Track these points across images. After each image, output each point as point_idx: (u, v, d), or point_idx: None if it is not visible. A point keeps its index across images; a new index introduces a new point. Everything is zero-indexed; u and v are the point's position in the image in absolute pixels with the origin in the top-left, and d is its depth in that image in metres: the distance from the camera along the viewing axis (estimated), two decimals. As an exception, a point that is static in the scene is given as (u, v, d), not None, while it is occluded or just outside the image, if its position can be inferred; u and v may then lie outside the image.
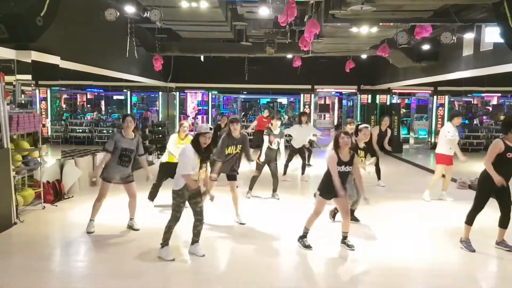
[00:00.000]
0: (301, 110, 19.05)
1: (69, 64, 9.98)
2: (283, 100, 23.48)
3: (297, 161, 11.09)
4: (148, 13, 9.95)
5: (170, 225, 5.40)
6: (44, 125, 9.11)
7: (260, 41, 14.54)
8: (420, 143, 18.99)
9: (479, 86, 16.29)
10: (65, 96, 16.94)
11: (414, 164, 14.10)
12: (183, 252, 5.61)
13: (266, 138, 8.73)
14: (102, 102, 19.81)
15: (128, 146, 6.42)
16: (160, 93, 20.18)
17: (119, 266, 5.27)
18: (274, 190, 8.85)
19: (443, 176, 8.89)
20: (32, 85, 8.80)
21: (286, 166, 10.75)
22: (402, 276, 5.18)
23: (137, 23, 12.50)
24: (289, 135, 11.22)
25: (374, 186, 10.09)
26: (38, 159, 7.82)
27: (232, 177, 7.02)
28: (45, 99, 10.48)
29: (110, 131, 16.12)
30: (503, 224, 5.82)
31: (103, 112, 18.74)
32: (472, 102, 19.97)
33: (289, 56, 16.69)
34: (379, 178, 10.27)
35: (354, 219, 7.16)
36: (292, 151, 10.71)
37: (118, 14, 9.85)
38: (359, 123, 8.24)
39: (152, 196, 7.96)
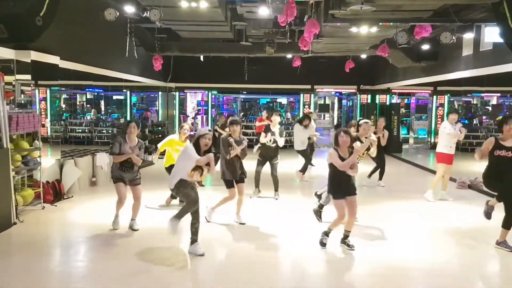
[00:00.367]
0: (301, 110, 19.08)
1: (69, 64, 9.98)
2: (283, 100, 23.48)
3: (297, 161, 11.10)
4: (148, 13, 9.95)
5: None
6: (43, 125, 9.10)
7: (260, 41, 14.54)
8: (420, 143, 19.00)
9: (479, 86, 16.30)
10: (64, 96, 16.95)
11: (414, 164, 14.11)
12: (183, 252, 5.61)
13: (262, 135, 8.74)
14: (102, 102, 19.81)
15: (129, 151, 6.41)
16: (160, 93, 20.18)
17: (119, 266, 5.26)
18: (276, 190, 8.85)
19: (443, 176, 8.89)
20: (32, 85, 8.79)
21: (305, 166, 10.74)
22: (402, 276, 5.18)
23: (137, 23, 12.50)
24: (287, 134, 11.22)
25: (375, 186, 10.10)
26: (38, 159, 7.82)
27: (240, 180, 7.02)
28: (44, 99, 10.49)
29: (110, 131, 16.12)
30: (506, 225, 5.81)
31: (102, 112, 18.74)
32: (472, 102, 19.99)
33: (289, 56, 16.68)
34: (380, 178, 10.26)
35: None
36: (303, 153, 10.74)
37: (118, 14, 9.85)
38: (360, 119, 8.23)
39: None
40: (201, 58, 18.04)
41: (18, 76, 8.33)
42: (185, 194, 5.49)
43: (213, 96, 21.19)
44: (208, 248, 5.72)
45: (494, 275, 5.52)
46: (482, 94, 18.99)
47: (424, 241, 6.49)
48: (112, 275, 5.01)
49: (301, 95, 20.61)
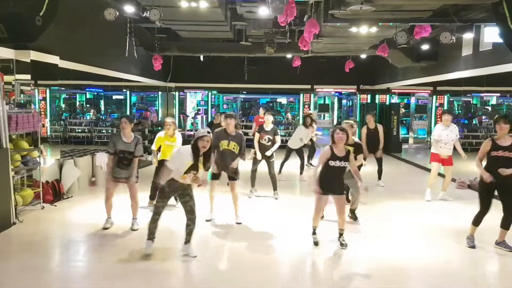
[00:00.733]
0: (302, 110, 19.07)
1: (68, 64, 9.98)
2: (283, 100, 23.48)
3: (296, 160, 11.09)
4: (148, 13, 9.95)
5: (149, 220, 5.50)
6: (43, 125, 9.10)
7: (260, 41, 14.54)
8: (420, 143, 19.00)
9: (478, 86, 16.30)
10: (64, 95, 16.95)
11: (414, 164, 14.11)
12: (181, 253, 5.61)
13: (256, 135, 8.76)
14: (102, 102, 19.81)
15: (125, 149, 6.43)
16: (160, 93, 20.18)
17: (118, 266, 5.26)
18: (274, 189, 8.86)
19: (443, 176, 8.88)
20: (31, 85, 8.78)
21: (281, 165, 10.78)
22: (402, 276, 5.18)
23: (137, 23, 12.49)
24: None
25: (374, 186, 10.10)
26: (37, 159, 7.82)
27: (233, 178, 7.05)
28: (44, 99, 10.48)
29: (110, 131, 16.12)
30: (505, 225, 5.81)
31: (102, 112, 18.73)
32: (471, 102, 19.98)
33: (289, 56, 16.68)
34: (379, 178, 10.26)
35: (354, 217, 7.19)
36: (288, 151, 10.76)
37: (118, 13, 9.85)
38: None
39: (152, 196, 7.97)
40: (201, 58, 18.03)
41: (18, 76, 8.33)
42: (157, 201, 5.51)
43: (213, 96, 21.19)
44: (204, 248, 5.73)
45: (494, 275, 5.53)
46: (482, 94, 18.98)
47: (423, 240, 6.49)
48: (112, 275, 5.01)
49: (301, 95, 20.61)
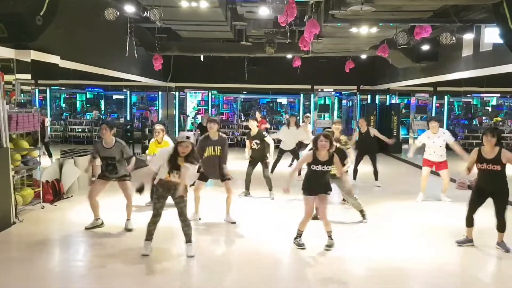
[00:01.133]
0: (307, 114, 19.05)
1: (69, 64, 9.98)
2: (283, 100, 23.49)
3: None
4: (148, 13, 9.95)
5: (149, 221, 5.53)
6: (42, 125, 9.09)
7: (260, 41, 14.54)
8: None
9: (479, 87, 16.29)
10: (64, 95, 16.94)
11: (414, 164, 14.09)
12: (180, 253, 5.61)
13: (247, 142, 8.86)
14: (102, 102, 19.80)
15: (108, 155, 6.43)
16: (160, 92, 20.18)
17: (118, 265, 5.27)
18: (270, 189, 8.86)
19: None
20: (32, 85, 8.79)
21: (273, 166, 10.78)
22: (401, 276, 5.19)
23: (137, 23, 12.48)
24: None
25: (372, 187, 10.10)
26: (37, 158, 7.82)
27: (224, 178, 7.04)
28: (44, 98, 10.48)
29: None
30: (498, 228, 5.88)
31: (102, 112, 18.73)
32: (472, 103, 19.97)
33: (289, 56, 16.68)
34: (376, 178, 10.27)
35: (363, 217, 7.21)
36: (280, 152, 10.77)
37: (118, 13, 9.85)
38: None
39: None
40: (201, 58, 18.03)
41: (18, 76, 8.33)
42: (154, 199, 5.55)
43: (213, 97, 21.19)
44: (202, 248, 5.75)
45: (493, 275, 5.53)
46: (482, 95, 18.98)
47: (423, 241, 6.49)
48: (111, 275, 5.01)
49: (301, 95, 20.60)
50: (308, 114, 14.50)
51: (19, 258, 5.49)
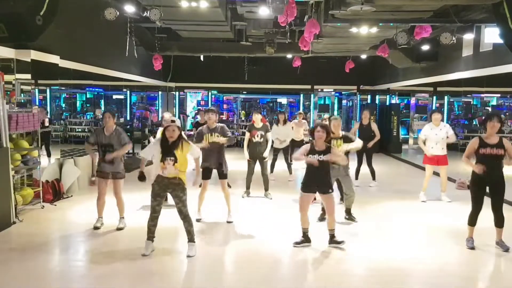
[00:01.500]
0: (299, 110, 19.03)
1: (69, 64, 9.98)
2: (283, 100, 23.51)
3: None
4: (148, 13, 9.96)
5: (149, 218, 5.52)
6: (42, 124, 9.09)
7: (260, 41, 14.54)
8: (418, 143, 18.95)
9: (479, 87, 16.30)
10: (64, 95, 16.94)
11: (414, 164, 14.10)
12: (180, 253, 5.62)
13: (246, 136, 8.73)
14: (102, 102, 19.80)
15: (107, 142, 6.47)
16: (160, 92, 20.18)
17: (118, 265, 5.26)
18: (266, 189, 8.86)
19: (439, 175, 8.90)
20: (32, 85, 8.79)
21: (271, 166, 10.77)
22: (401, 276, 5.18)
23: (137, 23, 12.49)
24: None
25: (371, 186, 10.08)
26: (37, 158, 7.82)
27: (221, 176, 7.06)
28: (44, 98, 10.48)
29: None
30: (496, 223, 5.86)
31: (102, 112, 18.72)
32: (472, 103, 19.97)
33: (289, 56, 16.69)
34: (373, 178, 10.22)
35: (351, 218, 7.17)
36: (274, 151, 10.72)
37: (118, 13, 9.85)
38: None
39: None
40: (201, 58, 18.03)
41: (18, 76, 8.33)
42: (151, 197, 5.49)
43: (213, 96, 21.20)
44: (202, 248, 5.75)
45: (493, 275, 5.52)
46: (482, 95, 18.98)
47: (423, 241, 6.50)
48: (111, 275, 5.01)
49: (301, 95, 20.61)
50: (300, 111, 14.53)
51: (19, 258, 5.49)
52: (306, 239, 5.93)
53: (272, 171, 10.72)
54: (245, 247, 6.05)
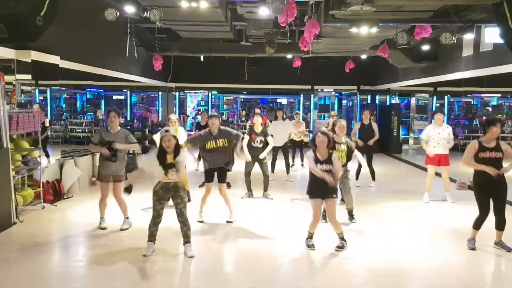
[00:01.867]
0: (297, 110, 19.04)
1: (69, 64, 9.98)
2: (283, 100, 23.52)
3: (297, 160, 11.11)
4: (148, 13, 9.96)
5: (150, 223, 5.54)
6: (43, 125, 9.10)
7: (260, 41, 14.54)
8: (420, 143, 18.94)
9: (479, 87, 16.30)
10: (64, 95, 16.95)
11: (414, 164, 14.11)
12: (180, 253, 5.62)
13: (246, 138, 8.69)
14: (102, 102, 19.79)
15: (111, 139, 6.46)
16: (160, 93, 20.18)
17: (118, 265, 5.27)
18: (265, 190, 8.86)
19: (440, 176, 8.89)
20: (32, 85, 8.79)
21: (272, 165, 10.74)
22: (401, 276, 5.18)
23: (137, 23, 12.50)
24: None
25: (371, 187, 10.07)
26: (38, 158, 7.82)
27: (221, 178, 7.02)
28: (44, 99, 10.49)
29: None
30: (498, 226, 5.85)
31: (103, 113, 18.73)
32: (472, 103, 19.97)
33: (289, 56, 16.69)
34: (373, 178, 10.20)
35: (351, 218, 7.17)
36: (274, 151, 10.68)
37: (118, 14, 9.86)
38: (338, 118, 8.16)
39: None
40: (201, 58, 18.04)
41: (19, 76, 8.34)
42: (152, 205, 5.53)
43: (213, 97, 21.22)
44: (202, 248, 5.76)
45: (494, 276, 5.52)
46: (482, 95, 18.98)
47: (423, 241, 6.50)
48: (111, 275, 5.01)
49: (301, 95, 20.61)
50: (298, 111, 14.53)
51: (20, 259, 5.49)
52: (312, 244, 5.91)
53: (272, 170, 10.73)
54: (246, 247, 6.05)
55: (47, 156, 9.76)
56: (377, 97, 20.10)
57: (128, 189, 5.69)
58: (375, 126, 10.26)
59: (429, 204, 8.57)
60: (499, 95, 18.42)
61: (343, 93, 21.83)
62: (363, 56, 17.03)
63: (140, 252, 5.54)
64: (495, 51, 11.22)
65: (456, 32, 10.78)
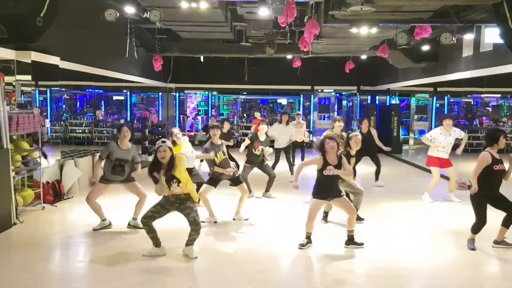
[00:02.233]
0: (297, 111, 19.04)
1: (69, 65, 9.99)
2: (283, 100, 23.52)
3: (296, 161, 11.09)
4: (148, 14, 9.96)
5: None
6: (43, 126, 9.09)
7: (260, 42, 14.55)
8: (420, 144, 18.96)
9: (479, 87, 16.30)
10: (64, 96, 16.97)
11: (414, 164, 14.11)
12: (181, 253, 5.62)
13: (247, 141, 8.71)
14: (102, 103, 19.80)
15: (122, 157, 6.47)
16: (160, 93, 20.19)
17: (119, 266, 5.26)
18: (267, 190, 8.86)
19: (445, 178, 8.87)
20: (32, 86, 8.79)
21: (273, 167, 10.76)
22: (402, 276, 5.18)
23: (137, 24, 12.50)
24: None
25: (372, 187, 10.08)
26: (37, 159, 7.82)
27: (236, 182, 7.12)
28: (44, 99, 10.49)
29: (110, 132, 16.15)
30: (506, 223, 5.83)
31: (103, 113, 18.73)
32: (472, 103, 19.97)
33: (289, 56, 16.69)
34: (376, 178, 10.23)
35: (359, 218, 7.18)
36: (276, 152, 10.70)
37: (118, 14, 9.86)
38: (351, 132, 8.14)
39: None
40: (201, 59, 18.04)
41: (19, 77, 8.34)
42: (155, 204, 5.51)
43: (213, 98, 21.22)
44: (204, 248, 5.75)
45: (494, 276, 5.51)
46: (482, 95, 18.98)
47: (423, 241, 6.50)
48: (112, 275, 5.01)
49: (301, 95, 20.61)
50: (298, 112, 14.50)
51: (20, 259, 5.49)
52: (309, 241, 5.92)
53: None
54: (246, 247, 6.05)
55: (45, 157, 9.76)
56: (377, 97, 20.10)
57: (155, 179, 5.39)
58: (374, 133, 10.21)
59: (429, 204, 8.57)
60: (499, 95, 18.43)
61: (343, 93, 21.83)
62: (363, 57, 17.02)
63: (140, 252, 5.54)
64: (495, 51, 11.22)
65: (456, 32, 10.78)
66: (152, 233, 5.46)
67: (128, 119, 18.09)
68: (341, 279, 5.11)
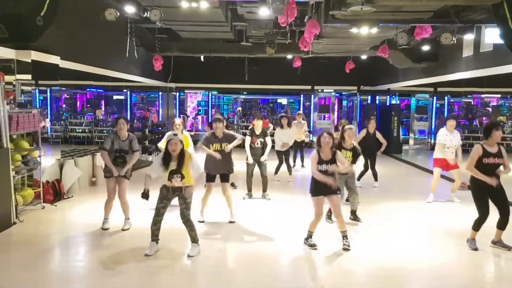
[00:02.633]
0: (298, 111, 19.04)
1: (69, 64, 9.99)
2: (283, 100, 23.53)
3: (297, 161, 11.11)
4: (148, 13, 9.95)
5: (153, 220, 5.55)
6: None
7: (260, 42, 14.55)
8: (420, 144, 18.98)
9: (479, 87, 16.31)
10: (64, 95, 17.00)
11: (414, 164, 14.11)
12: (181, 253, 5.62)
13: (247, 139, 8.74)
14: (102, 102, 19.83)
15: (121, 147, 6.53)
16: (160, 93, 20.19)
17: (119, 265, 5.26)
18: (264, 190, 8.88)
19: (448, 179, 8.85)
20: (32, 86, 8.79)
21: (277, 168, 10.88)
22: (402, 276, 5.18)
23: (137, 23, 12.50)
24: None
25: (371, 187, 10.07)
26: (37, 158, 7.82)
27: (224, 178, 7.09)
28: (44, 99, 10.49)
29: (110, 131, 16.18)
30: (500, 226, 5.85)
31: (103, 113, 18.76)
32: (472, 103, 19.99)
33: (289, 56, 16.69)
34: (375, 179, 10.22)
35: (356, 219, 7.20)
36: (278, 154, 10.81)
37: (118, 14, 9.86)
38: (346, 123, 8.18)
39: None
40: (202, 59, 18.04)
41: (19, 76, 8.34)
42: (158, 200, 5.55)
43: (213, 96, 21.23)
44: (204, 248, 5.75)
45: (494, 276, 5.52)
46: (483, 95, 19.00)
47: (423, 241, 6.50)
48: (112, 275, 5.01)
49: (302, 95, 20.60)
50: (299, 112, 14.52)
51: (19, 259, 5.49)
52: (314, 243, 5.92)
53: (277, 172, 10.86)
54: (246, 247, 6.05)
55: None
56: (377, 97, 20.10)
57: (145, 195, 5.62)
58: (379, 135, 10.24)
59: (429, 204, 8.58)
60: (499, 95, 18.43)
61: (343, 93, 21.83)
62: (363, 57, 17.02)
63: (141, 251, 5.54)
64: (495, 52, 11.22)
65: (456, 33, 10.78)
66: (159, 228, 5.56)
67: (128, 118, 18.10)
68: (341, 279, 5.11)
